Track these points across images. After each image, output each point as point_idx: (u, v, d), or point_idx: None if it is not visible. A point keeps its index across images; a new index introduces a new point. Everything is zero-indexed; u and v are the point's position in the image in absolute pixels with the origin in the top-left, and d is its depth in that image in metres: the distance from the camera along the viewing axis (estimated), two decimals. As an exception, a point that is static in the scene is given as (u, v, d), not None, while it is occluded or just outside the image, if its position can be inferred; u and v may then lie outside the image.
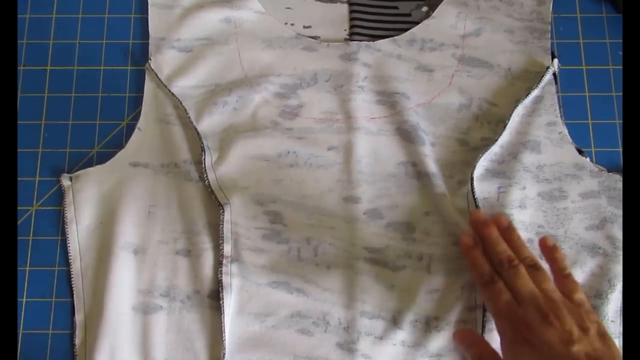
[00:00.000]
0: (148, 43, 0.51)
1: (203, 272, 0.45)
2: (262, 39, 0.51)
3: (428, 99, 0.49)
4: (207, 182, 0.46)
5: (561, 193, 0.46)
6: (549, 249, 0.42)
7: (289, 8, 0.52)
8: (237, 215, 0.46)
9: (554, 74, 0.49)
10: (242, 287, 0.45)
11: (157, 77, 0.49)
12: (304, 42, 0.51)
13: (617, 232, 0.45)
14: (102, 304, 0.44)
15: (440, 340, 0.44)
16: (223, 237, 0.45)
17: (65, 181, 0.47)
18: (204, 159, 0.46)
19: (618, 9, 0.52)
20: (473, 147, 0.48)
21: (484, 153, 0.46)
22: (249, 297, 0.45)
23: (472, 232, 0.44)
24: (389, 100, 0.49)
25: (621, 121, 0.49)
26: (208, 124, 0.48)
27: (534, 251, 0.43)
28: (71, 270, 0.46)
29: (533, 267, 0.40)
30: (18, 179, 0.49)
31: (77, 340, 0.45)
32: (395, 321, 0.44)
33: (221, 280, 0.44)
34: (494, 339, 0.42)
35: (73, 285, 0.46)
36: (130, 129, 0.49)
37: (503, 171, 0.47)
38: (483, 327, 0.43)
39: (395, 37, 0.51)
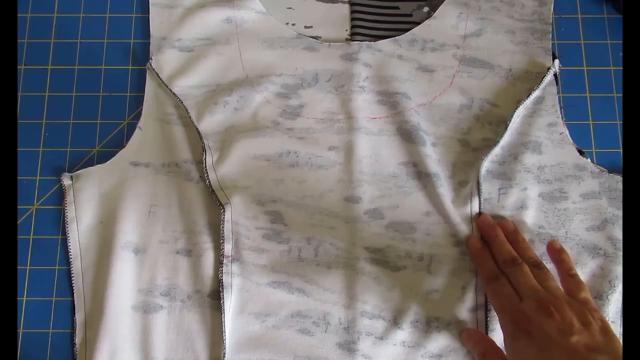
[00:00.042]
0: (149, 42, 0.51)
1: (204, 272, 0.45)
2: (263, 39, 0.51)
3: (429, 99, 0.49)
4: (207, 181, 0.46)
5: (562, 194, 0.46)
6: (556, 251, 0.43)
7: (290, 8, 0.52)
8: (238, 215, 0.46)
9: (555, 75, 0.49)
10: (242, 286, 0.45)
11: (158, 76, 0.49)
12: (305, 42, 0.51)
13: (618, 233, 0.45)
14: (103, 303, 0.44)
15: (441, 340, 0.44)
16: (224, 236, 0.45)
17: (65, 180, 0.47)
18: (205, 158, 0.46)
19: (619, 10, 0.52)
20: (474, 147, 0.48)
21: (486, 155, 0.46)
22: (250, 296, 0.45)
23: (479, 235, 0.45)
24: (390, 100, 0.49)
25: (622, 122, 0.49)
26: (209, 123, 0.48)
27: (537, 252, 0.43)
28: (71, 269, 0.46)
29: (537, 267, 0.41)
30: (19, 178, 0.49)
31: (77, 340, 0.45)
32: (395, 321, 0.44)
33: (222, 280, 0.44)
34: (497, 339, 0.42)
35: (73, 285, 0.46)
36: (131, 129, 0.49)
37: (504, 172, 0.47)
38: (486, 327, 0.44)
39: (397, 38, 0.51)
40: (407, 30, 0.51)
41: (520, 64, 0.50)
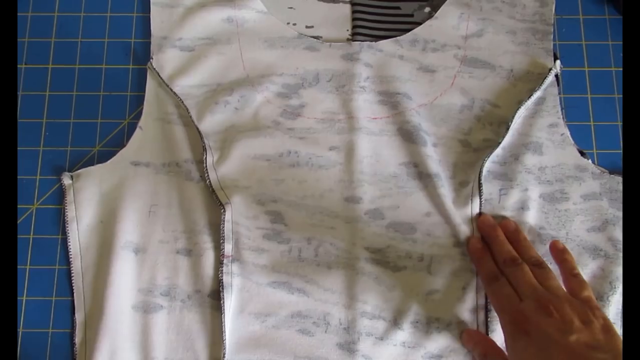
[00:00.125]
0: (150, 42, 0.51)
1: (204, 272, 0.45)
2: (264, 38, 0.51)
3: (430, 99, 0.49)
4: (208, 181, 0.46)
5: (563, 195, 0.46)
6: (559, 251, 0.43)
7: (291, 8, 0.52)
8: (238, 214, 0.46)
9: (556, 76, 0.49)
10: (242, 286, 0.45)
11: (159, 76, 0.49)
12: (306, 42, 0.51)
13: (619, 234, 0.45)
14: (103, 303, 0.44)
15: (441, 341, 0.44)
16: (224, 236, 0.45)
17: (66, 180, 0.47)
18: (205, 158, 0.46)
19: (620, 11, 0.52)
20: (475, 148, 0.48)
21: (488, 156, 0.46)
22: (250, 296, 0.45)
23: (480, 235, 0.45)
24: (391, 100, 0.49)
25: (622, 123, 0.49)
26: (209, 123, 0.48)
27: (539, 252, 0.43)
28: (71, 269, 0.46)
29: (538, 266, 0.41)
30: (19, 177, 0.49)
31: (77, 339, 0.45)
32: (395, 322, 0.44)
33: (222, 279, 0.44)
34: (498, 340, 0.42)
35: (73, 284, 0.46)
36: (132, 128, 0.49)
37: (505, 173, 0.47)
38: (487, 328, 0.44)
39: (398, 38, 0.51)
40: (408, 30, 0.51)
41: (521, 64, 0.50)
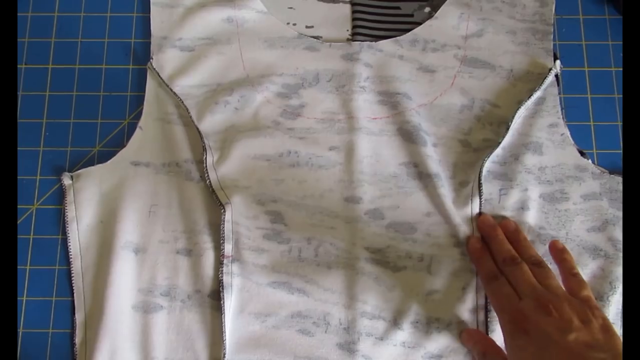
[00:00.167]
0: (150, 42, 0.51)
1: (204, 272, 0.45)
2: (264, 38, 0.51)
3: (430, 99, 0.49)
4: (208, 181, 0.46)
5: (563, 195, 0.46)
6: (558, 250, 0.43)
7: (291, 8, 0.52)
8: (238, 215, 0.46)
9: (556, 76, 0.49)
10: (242, 287, 0.45)
11: (159, 76, 0.49)
12: (306, 42, 0.51)
13: (619, 234, 0.45)
14: (103, 303, 0.44)
15: (441, 341, 0.44)
16: (224, 236, 0.45)
17: (66, 180, 0.47)
18: (206, 158, 0.46)
19: (620, 11, 0.52)
20: (475, 148, 0.48)
21: (488, 156, 0.46)
22: (250, 297, 0.45)
23: (479, 235, 0.45)
24: (391, 100, 0.49)
25: (622, 123, 0.49)
26: (209, 123, 0.48)
27: (538, 252, 0.43)
28: (72, 269, 0.46)
29: (537, 265, 0.41)
30: (19, 177, 0.49)
31: (77, 340, 0.45)
32: (395, 322, 0.44)
33: (222, 280, 0.44)
34: (498, 340, 0.42)
35: (73, 284, 0.46)
36: (132, 128, 0.49)
37: (505, 173, 0.47)
38: (486, 328, 0.44)
39: (398, 38, 0.51)
40: (408, 30, 0.51)
41: (521, 64, 0.50)
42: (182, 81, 0.49)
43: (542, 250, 0.44)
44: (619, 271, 0.44)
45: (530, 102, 0.48)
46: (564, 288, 0.40)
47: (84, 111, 0.50)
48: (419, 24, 0.51)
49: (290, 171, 0.47)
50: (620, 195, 0.46)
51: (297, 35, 0.51)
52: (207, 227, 0.46)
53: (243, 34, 0.51)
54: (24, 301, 0.46)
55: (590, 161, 0.47)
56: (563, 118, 0.48)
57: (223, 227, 0.45)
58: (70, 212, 0.47)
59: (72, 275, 0.46)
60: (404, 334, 0.44)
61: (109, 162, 0.48)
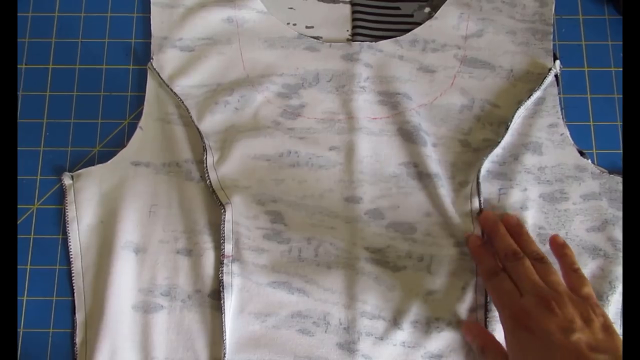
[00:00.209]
0: (150, 42, 0.51)
1: (204, 272, 0.45)
2: (264, 38, 0.51)
3: (430, 99, 0.49)
4: (208, 181, 0.46)
5: (562, 195, 0.46)
6: (559, 245, 0.43)
7: (291, 8, 0.52)
8: (238, 214, 0.46)
9: (556, 76, 0.49)
10: (242, 286, 0.45)
11: (159, 76, 0.49)
12: (306, 42, 0.51)
13: (618, 234, 0.45)
14: (103, 303, 0.44)
15: (441, 340, 0.44)
16: (224, 236, 0.45)
17: (66, 180, 0.47)
18: (206, 158, 0.46)
19: (620, 11, 0.52)
20: (475, 148, 0.48)
21: (487, 155, 0.46)
22: (250, 296, 0.45)
23: (480, 231, 0.45)
24: (391, 100, 0.49)
25: (622, 123, 0.49)
26: (210, 123, 0.48)
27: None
28: (72, 269, 0.46)
29: (539, 261, 0.41)
30: (19, 177, 0.49)
31: (78, 339, 0.45)
32: (395, 321, 0.44)
33: (222, 279, 0.44)
34: (497, 338, 0.42)
35: (74, 284, 0.46)
36: (132, 128, 0.49)
37: (504, 172, 0.47)
38: (486, 327, 0.43)
39: (398, 38, 0.51)
40: (408, 30, 0.51)
41: (521, 64, 0.50)
42: (182, 81, 0.49)
43: (542, 250, 0.44)
44: (618, 271, 0.44)
45: (530, 102, 0.48)
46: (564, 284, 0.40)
47: (85, 111, 0.50)
48: (419, 24, 0.51)
49: (290, 171, 0.47)
50: (619, 195, 0.46)
51: (297, 36, 0.51)
52: (207, 227, 0.46)
53: (243, 34, 0.51)
54: (25, 301, 0.46)
55: (589, 161, 0.47)
56: (563, 118, 0.48)
57: (223, 227, 0.45)
58: (71, 212, 0.47)
59: (73, 275, 0.46)
60: (404, 333, 0.44)
61: (109, 162, 0.48)
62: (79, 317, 0.45)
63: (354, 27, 0.52)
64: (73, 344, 0.45)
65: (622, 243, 0.45)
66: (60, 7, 0.53)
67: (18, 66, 0.51)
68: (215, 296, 0.44)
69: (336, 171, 0.47)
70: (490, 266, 0.42)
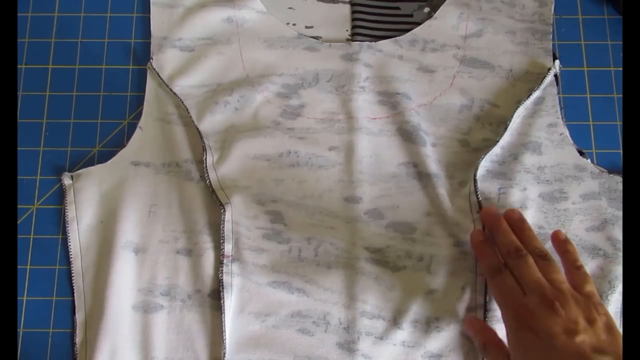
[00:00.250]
0: (150, 42, 0.51)
1: (204, 272, 0.45)
2: (263, 38, 0.51)
3: (429, 99, 0.49)
4: (208, 181, 0.46)
5: (562, 194, 0.46)
6: (560, 241, 0.42)
7: (291, 8, 0.52)
8: (238, 214, 0.46)
9: (556, 76, 0.49)
10: (242, 286, 0.45)
11: (159, 76, 0.49)
12: (305, 42, 0.51)
13: (618, 233, 0.45)
14: (103, 303, 0.44)
15: (441, 340, 0.44)
16: (224, 236, 0.45)
17: (66, 180, 0.47)
18: (205, 158, 0.46)
19: (619, 11, 0.52)
20: (474, 147, 0.48)
21: (485, 154, 0.46)
22: (250, 296, 0.45)
23: (482, 228, 0.44)
24: (391, 100, 0.49)
25: (622, 123, 0.49)
26: (209, 123, 0.48)
27: None
28: (72, 269, 0.46)
29: (542, 258, 0.40)
30: (19, 177, 0.49)
31: (78, 339, 0.45)
32: (395, 321, 0.44)
33: (222, 279, 0.44)
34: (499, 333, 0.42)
35: (74, 284, 0.46)
36: (132, 128, 0.49)
37: (504, 172, 0.47)
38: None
39: (397, 38, 0.51)
40: (407, 30, 0.51)
41: (520, 64, 0.50)
42: (182, 81, 0.49)
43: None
44: (618, 270, 0.44)
45: (529, 102, 0.48)
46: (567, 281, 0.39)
47: (84, 111, 0.50)
48: (419, 24, 0.51)
49: (290, 171, 0.47)
50: (619, 194, 0.46)
51: (297, 36, 0.51)
52: (207, 227, 0.46)
53: (243, 34, 0.51)
54: (24, 301, 0.46)
55: (589, 161, 0.47)
56: (562, 118, 0.48)
57: (223, 227, 0.45)
58: (71, 212, 0.47)
59: (73, 275, 0.46)
60: (404, 333, 0.44)
61: (109, 162, 0.48)
62: (79, 317, 0.45)
63: (353, 27, 0.52)
64: (73, 344, 0.45)
65: (621, 242, 0.45)
66: (60, 7, 0.53)
67: (18, 66, 0.51)
68: (215, 296, 0.44)
69: (336, 171, 0.47)
70: (493, 263, 0.42)
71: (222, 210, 0.45)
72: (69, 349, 0.45)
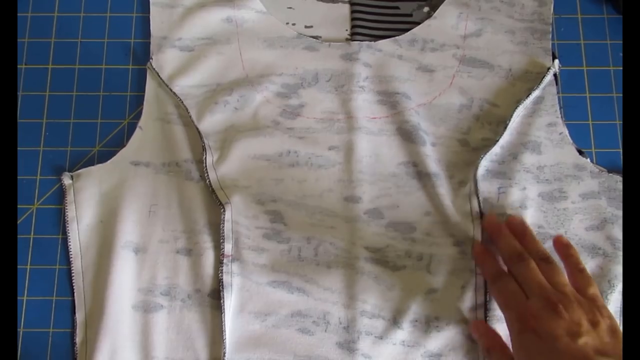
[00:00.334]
0: (149, 42, 0.51)
1: (204, 271, 0.45)
2: (263, 38, 0.51)
3: (429, 99, 0.49)
4: (208, 181, 0.46)
5: (561, 194, 0.46)
6: (563, 246, 0.42)
7: (290, 8, 0.52)
8: (238, 214, 0.46)
9: (555, 75, 0.49)
10: (242, 286, 0.45)
11: (159, 76, 0.49)
12: (305, 41, 0.51)
13: (617, 232, 0.45)
14: (103, 302, 0.44)
15: (441, 339, 0.44)
16: (224, 236, 0.45)
17: (66, 180, 0.47)
18: (205, 158, 0.46)
19: (619, 10, 0.52)
20: (474, 147, 0.48)
21: (485, 154, 0.46)
22: (250, 296, 0.45)
23: (480, 232, 0.45)
24: (390, 100, 0.49)
25: (621, 122, 0.49)
26: (209, 123, 0.48)
27: None
28: (72, 268, 0.46)
29: (545, 261, 0.40)
30: (19, 177, 0.49)
31: (78, 339, 0.45)
32: (395, 321, 0.44)
33: (222, 279, 0.44)
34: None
35: (74, 284, 0.46)
36: (132, 128, 0.49)
37: (503, 172, 0.47)
38: (487, 326, 0.44)
39: (397, 37, 0.51)
40: (407, 30, 0.51)
41: (520, 64, 0.50)
42: (182, 81, 0.49)
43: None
44: (617, 270, 0.45)
45: (529, 102, 0.48)
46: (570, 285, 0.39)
47: (84, 111, 0.50)
48: (418, 23, 0.51)
49: (289, 171, 0.47)
50: (618, 194, 0.46)
51: (297, 35, 0.51)
52: (207, 227, 0.46)
53: (242, 34, 0.51)
54: (25, 301, 0.46)
55: (588, 160, 0.47)
56: (562, 117, 0.48)
57: (223, 227, 0.45)
58: (71, 212, 0.47)
59: (73, 274, 0.46)
60: (404, 332, 0.44)
61: (109, 162, 0.48)
62: (79, 316, 0.45)
63: (353, 26, 0.52)
64: (73, 344, 0.45)
65: (621, 242, 0.45)
66: (60, 7, 0.53)
67: (18, 66, 0.51)
68: (215, 296, 0.44)
69: (335, 171, 0.47)
70: (494, 269, 0.42)
71: (222, 210, 0.45)
72: (69, 348, 0.45)
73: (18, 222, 0.48)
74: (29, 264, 0.47)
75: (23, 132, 0.50)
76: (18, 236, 0.47)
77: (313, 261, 0.45)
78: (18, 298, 0.46)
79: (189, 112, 0.48)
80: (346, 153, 0.48)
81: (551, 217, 0.46)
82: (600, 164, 0.48)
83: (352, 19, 0.52)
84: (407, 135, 0.48)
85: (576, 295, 0.38)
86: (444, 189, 0.46)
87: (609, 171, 0.47)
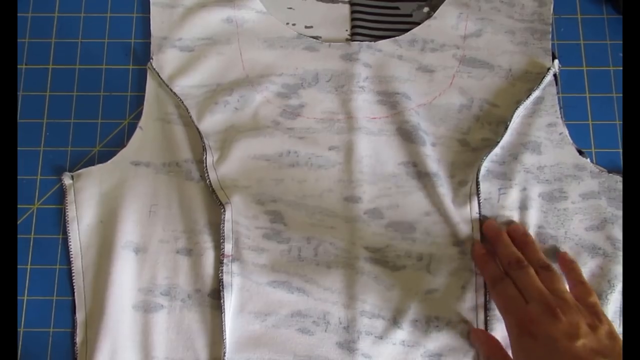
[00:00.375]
0: (150, 42, 0.51)
1: (204, 271, 0.45)
2: (263, 38, 0.51)
3: (429, 99, 0.49)
4: (208, 181, 0.46)
5: (561, 194, 0.47)
6: (567, 261, 0.43)
7: (290, 8, 0.52)
8: (238, 214, 0.46)
9: (555, 75, 0.49)
10: (242, 286, 0.45)
11: (159, 76, 0.49)
12: (305, 42, 0.51)
13: (617, 232, 0.45)
14: (103, 302, 0.44)
15: (441, 339, 0.44)
16: (224, 236, 0.45)
17: (66, 180, 0.47)
18: (205, 158, 0.46)
19: (618, 10, 0.52)
20: (474, 147, 0.48)
21: (487, 155, 0.46)
22: (250, 296, 0.45)
23: (479, 233, 0.45)
24: (390, 100, 0.49)
25: (621, 122, 0.49)
26: (209, 123, 0.48)
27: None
28: (72, 268, 0.46)
29: (545, 269, 0.41)
30: (19, 177, 0.49)
31: (78, 339, 0.45)
32: (395, 321, 0.44)
33: (222, 279, 0.44)
34: (499, 339, 0.42)
35: (74, 284, 0.46)
36: (132, 128, 0.49)
37: (504, 172, 0.47)
38: (486, 327, 0.44)
39: (397, 38, 0.51)
40: (407, 30, 0.51)
41: (520, 64, 0.50)
42: (182, 81, 0.49)
43: (544, 255, 0.44)
44: (617, 270, 0.45)
45: (529, 102, 0.48)
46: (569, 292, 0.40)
47: (84, 111, 0.50)
48: (418, 24, 0.51)
49: (289, 171, 0.47)
50: (618, 194, 0.46)
51: (297, 36, 0.51)
52: (207, 227, 0.46)
53: (242, 34, 0.51)
54: (25, 300, 0.46)
55: (588, 160, 0.47)
56: (561, 117, 0.48)
57: (223, 227, 0.45)
58: (71, 212, 0.47)
59: (73, 274, 0.46)
60: (404, 332, 0.44)
61: (109, 162, 0.48)
62: (79, 316, 0.45)
63: (353, 26, 0.52)
64: (73, 344, 0.45)
65: (621, 242, 0.45)
66: (60, 7, 0.53)
67: (18, 66, 0.51)
68: (215, 296, 0.44)
69: (335, 171, 0.47)
70: (494, 273, 0.42)
71: (222, 210, 0.45)
72: (69, 348, 0.45)
73: (18, 222, 0.48)
74: (29, 264, 0.47)
75: (23, 132, 0.50)
76: (18, 236, 0.47)
77: (313, 261, 0.45)
78: (18, 298, 0.46)
79: (189, 112, 0.48)
80: (346, 153, 0.48)
81: (551, 217, 0.46)
82: (600, 164, 0.48)
83: (352, 19, 0.52)
84: (407, 135, 0.48)
85: (575, 302, 0.38)
86: (444, 189, 0.46)
87: (609, 171, 0.47)
